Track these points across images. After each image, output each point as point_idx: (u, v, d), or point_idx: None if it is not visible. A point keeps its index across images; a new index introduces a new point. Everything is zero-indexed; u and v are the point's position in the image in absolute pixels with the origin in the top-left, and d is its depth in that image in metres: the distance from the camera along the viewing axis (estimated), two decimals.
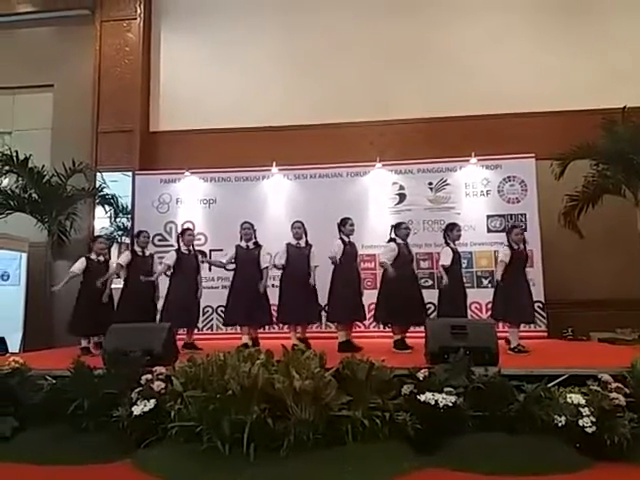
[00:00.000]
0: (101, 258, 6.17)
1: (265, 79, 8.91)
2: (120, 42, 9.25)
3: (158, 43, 9.43)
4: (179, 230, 7.95)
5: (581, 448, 3.36)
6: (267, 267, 6.07)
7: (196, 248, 6.54)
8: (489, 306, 6.13)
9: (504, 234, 6.11)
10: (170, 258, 6.16)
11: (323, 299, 6.01)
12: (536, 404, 3.53)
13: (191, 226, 7.82)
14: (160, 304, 6.18)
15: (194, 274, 6.21)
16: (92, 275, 5.99)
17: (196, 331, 6.43)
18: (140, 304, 5.94)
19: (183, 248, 6.24)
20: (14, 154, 7.94)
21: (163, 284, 6.24)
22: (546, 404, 3.54)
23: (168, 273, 6.17)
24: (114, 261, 6.49)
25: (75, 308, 6.02)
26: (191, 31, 9.35)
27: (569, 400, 3.50)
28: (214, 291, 7.27)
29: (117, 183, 8.68)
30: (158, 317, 6.08)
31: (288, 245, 6.12)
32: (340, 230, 5.99)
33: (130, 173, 8.49)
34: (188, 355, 4.41)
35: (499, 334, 4.58)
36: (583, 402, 3.46)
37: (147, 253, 6.32)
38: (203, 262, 6.49)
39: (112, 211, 8.63)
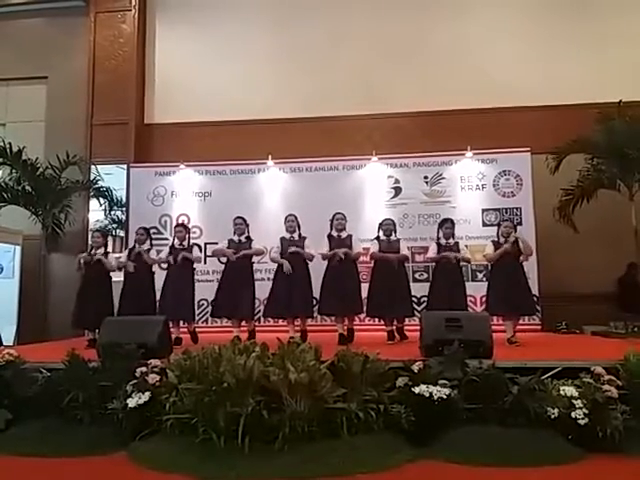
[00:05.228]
0: (100, 251, 6.18)
1: (260, 72, 8.88)
2: (115, 34, 9.19)
3: (153, 35, 9.38)
4: (174, 223, 7.98)
5: (574, 440, 3.38)
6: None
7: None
8: (484, 299, 6.20)
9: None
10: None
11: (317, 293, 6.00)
12: (529, 396, 3.54)
13: (186, 219, 7.84)
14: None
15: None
16: (90, 269, 6.08)
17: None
18: (139, 298, 6.00)
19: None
20: (7, 146, 7.90)
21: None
22: (539, 396, 3.56)
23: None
24: (115, 256, 6.56)
25: (76, 303, 6.05)
26: (186, 23, 9.29)
27: (562, 392, 3.51)
28: (209, 284, 7.25)
29: (112, 176, 8.66)
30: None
31: (282, 239, 6.12)
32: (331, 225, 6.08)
33: (125, 166, 8.45)
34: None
35: (494, 327, 4.61)
36: (576, 394, 3.48)
37: (145, 248, 6.31)
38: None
39: (107, 204, 8.61)
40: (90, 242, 6.33)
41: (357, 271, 5.99)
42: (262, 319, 6.67)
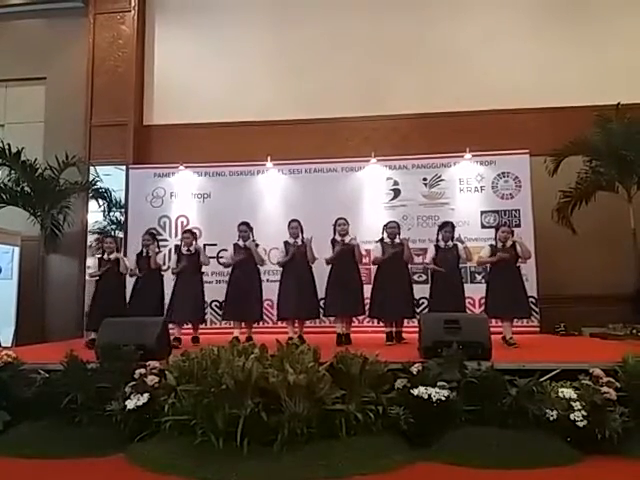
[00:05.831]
0: (112, 256, 6.30)
1: (259, 73, 8.88)
2: (114, 35, 9.18)
3: (152, 36, 9.36)
4: (173, 224, 7.97)
5: (572, 442, 3.38)
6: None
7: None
8: (482, 301, 6.21)
9: None
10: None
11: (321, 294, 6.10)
12: (528, 398, 3.55)
13: (185, 221, 7.84)
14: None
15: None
16: (104, 272, 6.24)
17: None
18: (149, 300, 6.13)
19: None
20: (6, 147, 7.88)
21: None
22: (538, 398, 3.56)
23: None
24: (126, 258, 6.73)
25: (91, 305, 6.38)
26: (185, 25, 9.29)
27: (561, 394, 3.52)
28: (209, 286, 7.23)
29: (110, 177, 8.64)
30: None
31: (286, 243, 6.17)
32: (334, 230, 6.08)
33: (124, 167, 8.44)
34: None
35: (492, 329, 4.61)
36: (575, 396, 3.49)
37: (150, 253, 6.38)
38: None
39: (105, 205, 8.59)
40: (103, 246, 6.41)
41: (359, 273, 6.03)
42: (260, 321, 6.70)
